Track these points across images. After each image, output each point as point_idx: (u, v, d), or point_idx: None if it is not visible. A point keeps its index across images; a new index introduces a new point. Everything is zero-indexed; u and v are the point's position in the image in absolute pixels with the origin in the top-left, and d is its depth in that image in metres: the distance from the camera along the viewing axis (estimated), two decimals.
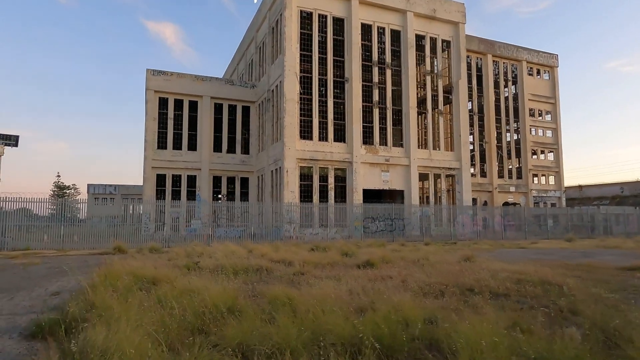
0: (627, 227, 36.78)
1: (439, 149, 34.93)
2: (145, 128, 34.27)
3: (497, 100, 48.54)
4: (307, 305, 6.17)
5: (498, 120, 48.34)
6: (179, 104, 35.18)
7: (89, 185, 64.72)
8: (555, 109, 51.88)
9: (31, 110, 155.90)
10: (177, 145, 34.84)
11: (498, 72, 49.07)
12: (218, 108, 36.45)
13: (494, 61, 48.54)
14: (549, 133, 51.79)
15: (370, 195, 32.04)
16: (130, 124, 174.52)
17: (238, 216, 29.32)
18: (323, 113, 31.04)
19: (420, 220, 31.48)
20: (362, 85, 32.09)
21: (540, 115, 51.37)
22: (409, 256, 14.21)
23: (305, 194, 29.94)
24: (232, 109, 36.88)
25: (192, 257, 13.28)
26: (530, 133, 49.92)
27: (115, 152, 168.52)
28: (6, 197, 20.60)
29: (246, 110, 37.30)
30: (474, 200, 41.10)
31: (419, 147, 33.72)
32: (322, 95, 31.39)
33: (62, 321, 4.98)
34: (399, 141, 33.85)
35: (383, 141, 32.73)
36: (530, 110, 50.33)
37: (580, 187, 70.57)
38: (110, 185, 65.08)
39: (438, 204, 34.09)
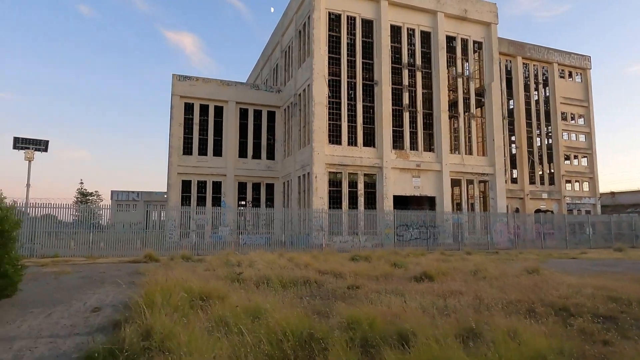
0: None
1: (472, 154, 33.62)
2: (170, 134, 33.94)
3: (528, 103, 46.89)
4: (394, 329, 5.21)
5: (529, 125, 46.65)
6: (204, 109, 34.77)
7: (112, 192, 65.02)
8: (588, 112, 49.88)
9: (53, 119, 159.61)
10: (203, 151, 34.37)
11: (528, 74, 47.47)
12: (243, 113, 35.93)
13: (523, 64, 46.99)
14: (582, 137, 49.78)
15: (398, 202, 30.84)
16: (151, 132, 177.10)
17: (263, 223, 28.58)
18: (352, 117, 30.16)
19: (453, 228, 30.21)
20: (392, 88, 31.12)
21: (572, 119, 49.46)
22: (461, 267, 13.11)
23: (334, 201, 29.00)
24: (258, 114, 36.31)
25: (231, 267, 12.45)
26: (563, 138, 48.05)
27: (137, 160, 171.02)
28: (35, 203, 20.26)
29: (271, 115, 36.69)
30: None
31: (450, 152, 32.46)
32: (351, 98, 30.52)
33: (119, 351, 4.12)
34: (430, 146, 32.68)
35: (414, 146, 31.62)
36: (563, 113, 48.48)
37: (612, 193, 67.81)
38: (133, 192, 65.33)
39: (471, 211, 32.68)
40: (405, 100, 31.60)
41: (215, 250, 22.49)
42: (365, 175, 29.94)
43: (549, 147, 47.91)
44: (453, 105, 33.97)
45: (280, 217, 28.72)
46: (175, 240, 27.18)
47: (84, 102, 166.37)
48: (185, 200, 33.19)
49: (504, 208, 33.29)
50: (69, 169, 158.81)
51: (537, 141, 47.43)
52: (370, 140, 30.51)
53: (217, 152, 34.77)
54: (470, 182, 33.37)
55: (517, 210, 42.83)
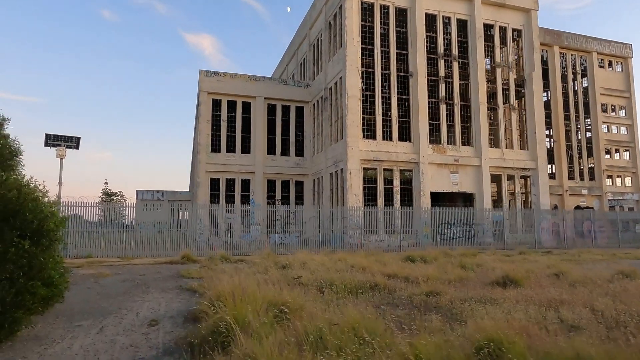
0: None
1: (512, 148, 31.86)
2: (198, 131, 33.25)
3: (565, 95, 44.63)
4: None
5: (567, 117, 44.40)
6: (232, 105, 33.94)
7: (137, 191, 65.19)
8: (630, 103, 47.25)
9: (77, 122, 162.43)
10: (231, 148, 33.55)
11: (566, 65, 45.20)
12: (271, 109, 34.97)
13: (560, 53, 44.73)
14: (623, 130, 47.18)
15: (432, 199, 29.24)
16: (173, 133, 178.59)
17: (293, 222, 27.62)
18: (386, 110, 28.82)
19: (493, 226, 28.61)
20: (428, 79, 29.64)
21: (613, 110, 46.91)
22: (535, 269, 11.73)
23: (369, 198, 27.75)
24: (286, 110, 35.31)
25: (282, 269, 11.37)
26: (603, 130, 45.59)
27: (159, 161, 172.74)
28: (67, 202, 19.65)
29: (300, 111, 35.63)
30: None
31: (490, 146, 30.78)
32: (385, 91, 29.18)
33: None
34: (467, 140, 31.09)
35: (451, 140, 30.08)
36: (603, 105, 46.00)
37: None
38: (158, 192, 65.35)
39: (513, 208, 30.95)
40: (442, 92, 30.08)
41: (251, 250, 21.58)
42: (401, 171, 28.58)
43: (589, 140, 45.56)
44: (491, 96, 32.24)
45: (312, 216, 27.68)
46: (204, 240, 26.41)
47: (106, 105, 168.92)
48: (214, 198, 32.43)
49: (547, 205, 31.43)
50: (94, 171, 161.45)
51: (576, 135, 45.16)
52: (405, 134, 29.13)
53: (246, 149, 33.90)
54: (510, 177, 31.63)
55: (555, 207, 40.69)
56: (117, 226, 21.95)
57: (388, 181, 28.31)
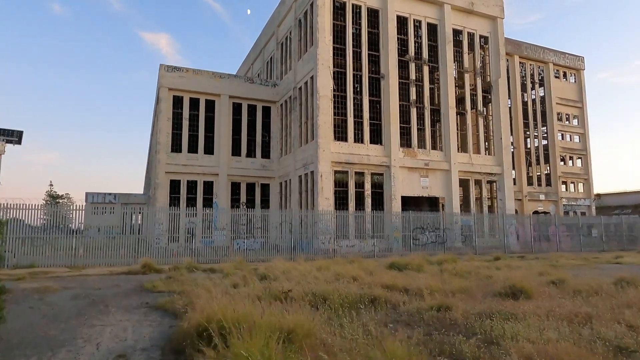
0: None
1: (479, 153, 32.13)
2: (157, 129, 31.13)
3: (525, 103, 46.12)
4: None
5: (526, 125, 45.87)
6: (194, 103, 32.05)
7: (87, 194, 61.08)
8: (582, 113, 49.57)
9: (19, 120, 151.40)
10: (193, 148, 31.63)
11: (525, 74, 46.74)
12: (236, 108, 33.38)
13: (520, 63, 46.20)
14: (576, 138, 49.38)
15: (402, 203, 28.83)
16: (126, 134, 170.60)
17: (258, 227, 26.27)
18: (358, 112, 28.13)
19: (462, 231, 28.58)
20: (399, 82, 29.28)
21: (567, 119, 49.01)
22: (527, 277, 11.18)
23: (340, 202, 26.86)
24: (252, 110, 33.83)
25: (263, 280, 10.12)
26: (558, 138, 47.46)
27: (110, 163, 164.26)
28: (6, 204, 17.29)
29: (267, 111, 34.28)
30: None
31: (458, 151, 30.83)
32: (357, 92, 28.51)
33: None
34: (437, 144, 31.01)
35: (421, 144, 29.85)
36: (558, 114, 47.94)
37: (598, 195, 68.22)
38: (110, 194, 61.54)
39: (479, 213, 31.12)
40: (413, 95, 29.82)
41: (217, 257, 20.05)
42: (372, 174, 27.94)
43: (545, 148, 47.28)
44: (460, 101, 32.41)
45: (279, 220, 26.39)
46: (163, 246, 24.46)
47: (53, 103, 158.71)
48: (174, 201, 30.36)
49: (512, 209, 31.95)
50: (37, 172, 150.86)
51: (534, 142, 46.74)
52: (377, 137, 28.56)
53: (209, 149, 32.11)
54: (477, 182, 31.86)
55: (515, 211, 41.72)
56: (64, 231, 19.68)
57: (359, 185, 27.58)
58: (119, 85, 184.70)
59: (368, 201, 27.42)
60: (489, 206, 32.61)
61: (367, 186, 27.56)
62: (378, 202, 27.94)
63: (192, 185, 31.38)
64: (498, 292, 8.69)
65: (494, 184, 32.50)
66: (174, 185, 30.85)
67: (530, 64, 47.27)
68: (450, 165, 29.98)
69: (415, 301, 7.97)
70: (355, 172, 27.40)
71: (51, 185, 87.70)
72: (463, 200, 32.27)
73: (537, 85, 47.57)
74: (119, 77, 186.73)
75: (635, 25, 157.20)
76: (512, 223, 27.42)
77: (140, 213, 33.04)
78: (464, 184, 31.67)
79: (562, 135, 48.36)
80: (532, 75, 47.31)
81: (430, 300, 7.97)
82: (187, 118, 31.51)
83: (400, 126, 28.89)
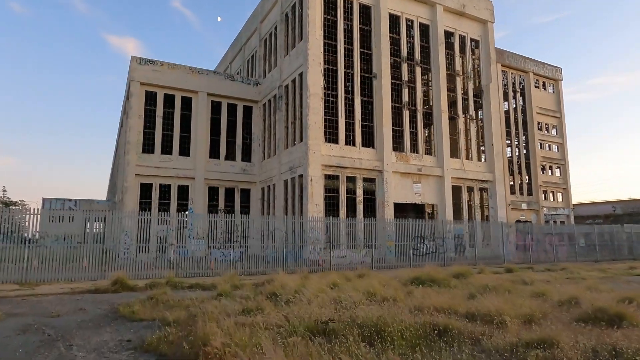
0: None
1: (471, 159, 30.98)
2: (127, 128, 28.20)
3: (507, 112, 45.80)
4: None
5: (508, 134, 45.50)
6: (169, 100, 29.35)
7: (44, 200, 56.29)
8: (561, 123, 49.90)
9: None
10: (167, 149, 28.84)
11: (507, 82, 46.55)
12: (215, 107, 30.89)
13: (502, 71, 45.99)
14: (555, 148, 49.57)
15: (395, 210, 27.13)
16: (89, 138, 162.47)
17: (245, 234, 24.00)
18: (349, 113, 26.32)
19: (455, 240, 27.17)
20: (391, 83, 27.76)
21: (547, 129, 49.15)
22: (580, 295, 9.50)
23: (330, 208, 24.83)
24: (232, 109, 31.42)
25: (272, 300, 7.91)
26: (539, 148, 47.43)
27: (72, 169, 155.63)
28: None
29: (248, 111, 31.95)
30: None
31: (451, 157, 29.54)
32: (348, 92, 26.74)
33: None
34: (430, 149, 29.63)
35: (414, 148, 28.35)
36: (538, 124, 47.97)
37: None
38: (70, 200, 56.98)
39: (472, 221, 29.83)
40: (405, 97, 28.35)
41: (199, 270, 17.55)
42: (364, 179, 26.11)
43: (527, 157, 47.11)
44: (451, 105, 31.24)
45: (266, 228, 24.08)
46: (131, 257, 21.61)
47: (9, 105, 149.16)
48: (145, 207, 27.43)
49: (504, 217, 30.89)
50: None
51: (515, 150, 46.47)
52: (369, 140, 26.83)
53: (184, 151, 29.41)
54: (470, 189, 30.65)
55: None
56: (16, 241, 16.67)
57: (350, 190, 25.67)
58: (83, 89, 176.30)
59: (360, 208, 25.53)
60: (483, 214, 31.44)
61: (359, 192, 25.69)
62: (370, 209, 26.11)
63: (165, 190, 28.53)
64: (586, 317, 6.87)
65: (485, 191, 31.39)
66: (145, 190, 27.92)
67: (512, 73, 47.14)
68: (444, 171, 28.62)
69: (498, 332, 6.01)
70: (347, 177, 25.48)
71: (4, 190, 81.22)
72: (454, 208, 30.93)
73: (518, 94, 47.48)
74: (83, 81, 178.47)
75: (585, 49, 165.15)
76: (510, 232, 26.18)
77: (101, 222, 29.79)
78: (455, 191, 30.35)
79: (541, 144, 48.39)
80: (513, 83, 47.20)
81: (516, 330, 6.04)
82: (160, 116, 28.74)
83: (392, 129, 27.28)
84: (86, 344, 5.77)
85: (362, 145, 26.33)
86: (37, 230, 21.17)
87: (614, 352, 5.20)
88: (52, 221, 54.57)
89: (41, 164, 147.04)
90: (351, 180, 25.69)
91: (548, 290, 9.65)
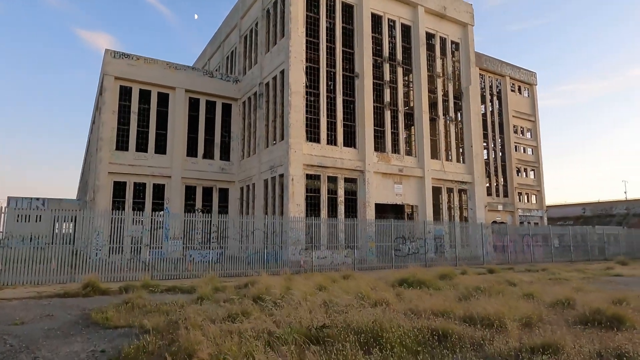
0: (621, 248, 34.92)
1: (451, 161, 31.16)
2: (100, 123, 27.04)
3: (484, 115, 46.52)
4: None
5: (485, 136, 46.23)
6: (145, 95, 28.34)
7: (9, 198, 53.86)
8: (535, 127, 51.06)
9: None
10: (142, 147, 27.83)
11: (484, 86, 47.29)
12: (193, 104, 30.06)
13: (480, 74, 46.69)
14: (529, 151, 50.69)
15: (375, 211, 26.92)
16: (60, 135, 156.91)
17: (223, 235, 23.32)
18: (331, 112, 26.01)
19: (435, 241, 27.21)
20: (373, 83, 27.61)
21: (522, 132, 50.20)
22: (573, 296, 9.43)
23: (310, 208, 24.43)
24: (211, 106, 30.64)
25: (257, 303, 7.45)
26: (514, 150, 48.38)
27: (41, 168, 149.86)
28: None
29: (227, 109, 31.22)
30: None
31: (431, 158, 29.62)
32: (330, 90, 26.42)
33: None
34: (410, 149, 29.63)
35: (395, 148, 28.27)
36: (514, 127, 48.95)
37: None
38: (38, 199, 54.68)
39: (452, 222, 29.98)
40: (387, 97, 28.25)
41: (176, 272, 16.86)
42: (345, 179, 25.83)
43: (502, 159, 47.97)
44: (432, 106, 31.35)
45: (245, 228, 23.45)
46: (103, 258, 20.63)
47: None
48: (118, 206, 26.36)
49: (483, 219, 31.18)
50: None
51: (491, 153, 47.25)
52: (350, 139, 26.58)
53: (161, 148, 28.45)
54: (450, 190, 30.82)
55: None
56: None
57: (332, 190, 25.34)
58: (52, 84, 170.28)
59: (341, 208, 25.23)
60: (459, 215, 31.66)
61: (341, 192, 25.39)
62: (351, 209, 25.85)
63: (140, 189, 27.52)
64: (583, 319, 6.71)
65: (464, 192, 31.64)
66: (119, 188, 26.85)
67: (489, 76, 47.97)
68: (424, 172, 28.66)
69: (500, 336, 5.74)
70: (328, 177, 25.15)
71: None
72: (434, 209, 31.03)
73: (495, 97, 48.32)
74: (52, 76, 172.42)
75: (556, 57, 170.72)
76: (489, 233, 26.40)
77: (71, 222, 28.48)
78: (435, 192, 30.45)
79: (517, 147, 49.38)
80: (490, 87, 48.00)
81: (517, 334, 5.80)
82: (136, 112, 27.73)
83: (374, 129, 27.12)
84: (54, 355, 5.19)
85: (344, 145, 26.06)
86: (2, 230, 19.95)
87: (619, 357, 5.01)
88: (19, 221, 52.20)
89: (7, 163, 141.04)
90: (333, 180, 25.38)
91: (537, 292, 9.53)
